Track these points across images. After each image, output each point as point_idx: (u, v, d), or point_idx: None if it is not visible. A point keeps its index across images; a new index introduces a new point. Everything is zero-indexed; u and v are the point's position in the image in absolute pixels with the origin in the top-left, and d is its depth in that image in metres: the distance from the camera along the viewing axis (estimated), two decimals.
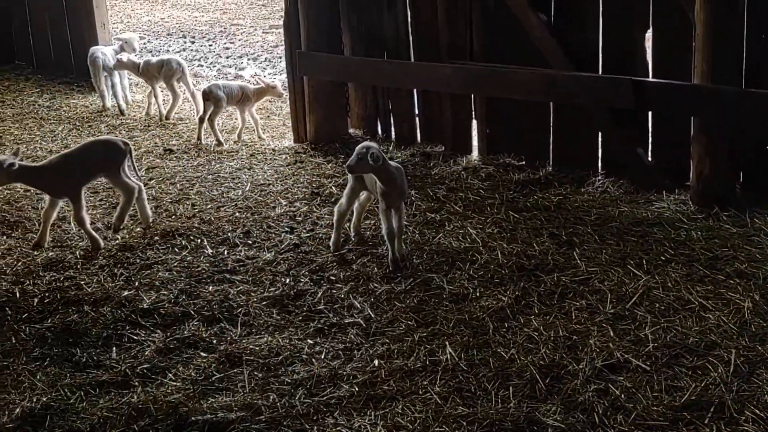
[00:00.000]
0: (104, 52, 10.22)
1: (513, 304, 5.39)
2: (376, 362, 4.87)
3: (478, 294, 5.56)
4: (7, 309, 5.61)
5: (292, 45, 8.82)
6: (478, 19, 7.77)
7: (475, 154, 8.18)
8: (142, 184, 6.85)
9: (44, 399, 4.64)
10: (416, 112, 8.60)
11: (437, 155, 8.20)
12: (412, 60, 8.32)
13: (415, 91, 8.50)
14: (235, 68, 13.10)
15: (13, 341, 5.26)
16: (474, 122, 8.25)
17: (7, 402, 4.64)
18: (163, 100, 10.18)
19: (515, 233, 6.40)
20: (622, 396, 4.44)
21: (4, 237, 6.75)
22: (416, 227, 6.62)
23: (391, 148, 8.52)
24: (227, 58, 13.87)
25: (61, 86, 11.37)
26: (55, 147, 8.99)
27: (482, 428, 4.27)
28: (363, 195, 6.40)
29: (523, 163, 7.79)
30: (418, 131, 8.61)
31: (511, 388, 4.57)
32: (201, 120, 9.13)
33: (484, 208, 6.91)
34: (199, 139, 9.11)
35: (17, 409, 4.54)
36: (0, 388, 4.79)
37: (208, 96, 9.02)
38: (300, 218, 7.00)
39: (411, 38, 8.35)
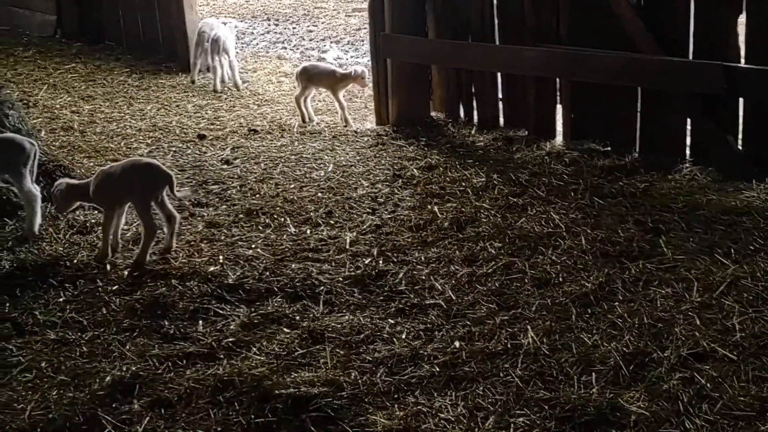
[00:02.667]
0: (213, 27, 10.52)
1: (596, 290, 5.34)
2: (456, 344, 4.89)
3: (561, 279, 5.52)
4: (98, 281, 5.78)
5: (376, 27, 8.85)
6: (565, 2, 7.67)
7: (558, 139, 8.10)
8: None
9: (133, 368, 4.77)
10: (499, 95, 8.55)
11: (520, 140, 8.15)
12: (497, 43, 8.26)
13: (499, 74, 8.45)
14: (318, 51, 13.19)
15: (104, 312, 5.41)
16: (558, 107, 8.17)
17: (98, 370, 4.79)
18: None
19: (599, 219, 6.33)
20: (708, 385, 4.36)
21: (95, 211, 6.92)
22: (498, 211, 6.60)
23: (473, 131, 8.49)
24: (310, 40, 13.97)
25: (150, 66, 11.60)
26: (143, 125, 9.19)
27: (564, 413, 4.25)
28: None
29: (609, 149, 7.68)
30: (501, 115, 8.55)
31: (593, 374, 4.53)
32: (297, 100, 9.26)
33: (568, 193, 6.84)
34: (304, 120, 9.21)
35: (108, 377, 4.68)
36: (91, 357, 4.94)
37: (304, 76, 9.14)
38: (381, 199, 7.03)
39: (496, 21, 8.29)
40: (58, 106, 9.86)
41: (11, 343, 5.10)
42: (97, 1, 12.65)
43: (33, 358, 4.93)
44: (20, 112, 7.54)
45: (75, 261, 6.01)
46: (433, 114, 9.00)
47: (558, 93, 8.07)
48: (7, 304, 5.50)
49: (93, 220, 6.71)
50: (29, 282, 5.74)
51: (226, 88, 10.61)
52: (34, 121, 8.93)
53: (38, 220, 6.40)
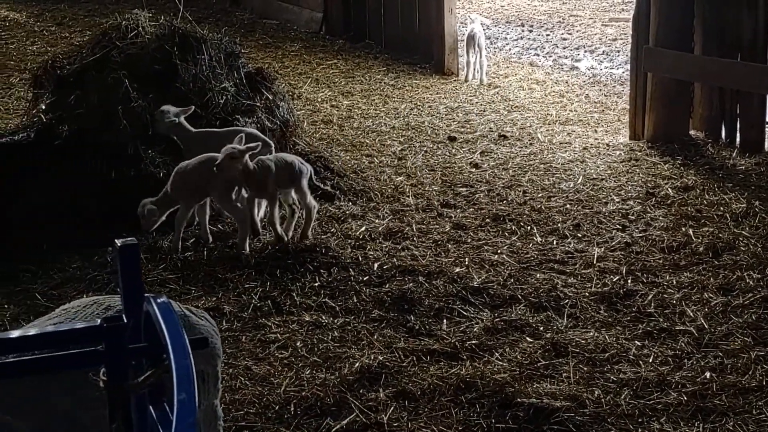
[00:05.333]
0: (480, 30, 10.94)
1: None
2: (707, 374, 4.71)
3: None
4: (350, 270, 6.04)
5: (638, 39, 8.64)
6: None
7: None
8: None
9: (380, 358, 4.96)
10: (766, 118, 8.11)
11: None
12: None
13: (767, 96, 8.02)
14: (572, 60, 13.05)
15: (354, 300, 5.66)
16: None
17: (348, 355, 5.02)
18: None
19: None
20: None
21: (350, 203, 7.24)
22: (758, 240, 6.28)
23: (734, 154, 8.11)
24: (564, 48, 13.83)
25: (405, 66, 11.94)
26: (397, 123, 9.49)
27: None
28: None
29: None
30: (766, 139, 8.12)
31: None
32: None
33: None
34: None
35: (357, 364, 4.90)
36: (342, 342, 5.19)
37: None
38: (632, 217, 6.88)
39: None
40: (319, 99, 10.37)
41: (270, 320, 5.44)
42: (363, 2, 13.17)
43: (289, 337, 5.24)
44: (289, 104, 8.01)
45: (330, 248, 6.30)
46: (691, 132, 8.68)
47: None
48: (269, 284, 5.87)
49: (347, 211, 7.02)
50: (289, 265, 6.09)
51: (477, 92, 10.74)
52: (298, 112, 9.44)
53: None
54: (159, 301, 2.22)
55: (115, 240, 2.44)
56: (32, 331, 2.28)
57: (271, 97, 7.73)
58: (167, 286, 5.78)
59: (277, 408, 4.54)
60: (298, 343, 5.17)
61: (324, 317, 5.46)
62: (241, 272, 6.00)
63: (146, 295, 2.30)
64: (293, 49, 12.70)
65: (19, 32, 12.87)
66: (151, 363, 2.34)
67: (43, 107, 6.97)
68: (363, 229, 6.71)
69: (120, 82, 6.89)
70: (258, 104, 7.58)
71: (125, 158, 6.60)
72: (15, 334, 2.23)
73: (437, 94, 10.79)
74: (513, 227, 6.76)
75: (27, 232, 6.21)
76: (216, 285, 5.86)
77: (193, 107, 6.80)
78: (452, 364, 4.91)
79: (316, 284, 5.86)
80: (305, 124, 9.09)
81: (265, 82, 7.80)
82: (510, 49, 13.76)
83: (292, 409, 4.54)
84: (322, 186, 7.29)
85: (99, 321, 2.34)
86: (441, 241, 6.51)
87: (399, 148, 8.67)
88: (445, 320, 5.41)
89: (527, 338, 5.18)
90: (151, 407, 2.34)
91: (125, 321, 2.35)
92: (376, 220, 6.89)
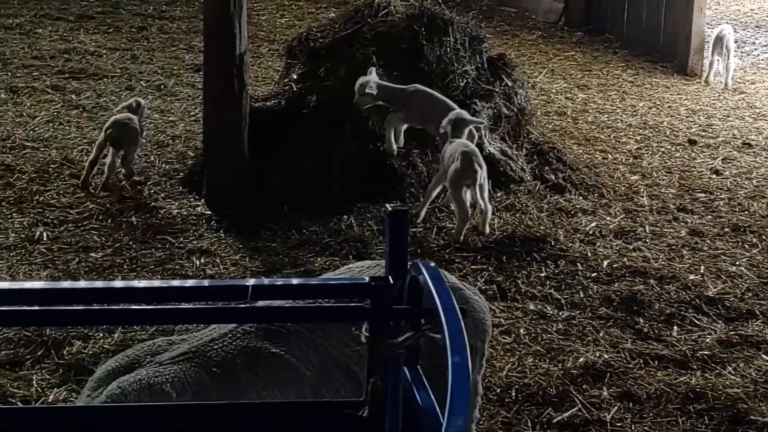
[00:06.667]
0: (729, 32, 10.51)
1: None
2: None
3: None
4: (578, 264, 5.96)
5: None
6: None
7: None
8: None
9: (606, 356, 4.87)
10: None
11: None
12: None
13: None
14: None
15: (581, 295, 5.58)
16: None
17: (572, 349, 4.96)
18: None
19: None
20: None
21: (581, 198, 7.11)
22: None
23: None
24: None
25: (646, 64, 11.58)
26: (634, 121, 9.23)
27: None
28: None
29: None
30: None
31: None
32: None
33: None
34: None
35: (581, 359, 4.83)
36: (566, 335, 5.14)
37: None
38: None
39: None
40: (554, 90, 10.25)
41: (494, 305, 5.46)
42: None
43: (513, 324, 5.24)
44: (527, 92, 7.98)
45: (558, 240, 6.24)
46: None
47: None
48: (493, 269, 5.89)
49: (578, 205, 6.91)
50: (516, 252, 6.08)
51: (721, 96, 10.27)
52: (533, 102, 9.38)
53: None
54: (429, 266, 2.28)
55: (386, 205, 2.52)
56: (307, 281, 2.41)
57: (510, 84, 7.73)
58: None
59: (498, 391, 4.56)
60: (521, 331, 5.16)
61: (549, 308, 5.42)
62: (468, 254, 6.05)
63: (415, 261, 2.37)
64: (530, 38, 12.60)
65: (270, 5, 13.52)
66: (410, 326, 2.41)
67: (295, 77, 7.31)
68: (593, 224, 6.59)
69: (368, 58, 7.10)
70: (497, 90, 7.60)
71: (368, 132, 6.80)
72: (294, 281, 2.37)
73: (678, 94, 10.39)
74: (754, 239, 6.43)
75: (272, 193, 6.55)
76: (443, 265, 5.94)
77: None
78: (681, 372, 4.76)
79: (542, 275, 5.83)
80: (539, 114, 9.02)
81: (506, 69, 7.81)
82: (758, 55, 13.03)
83: (513, 394, 4.54)
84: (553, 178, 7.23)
85: (367, 279, 2.43)
86: (675, 246, 6.30)
87: (635, 147, 8.43)
88: (675, 326, 5.24)
89: (763, 356, 4.93)
90: (405, 368, 2.42)
91: (391, 282, 2.43)
92: (607, 217, 6.75)
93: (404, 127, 6.80)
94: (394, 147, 6.69)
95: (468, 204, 6.18)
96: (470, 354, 3.30)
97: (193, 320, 2.58)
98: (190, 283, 2.26)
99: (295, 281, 2.46)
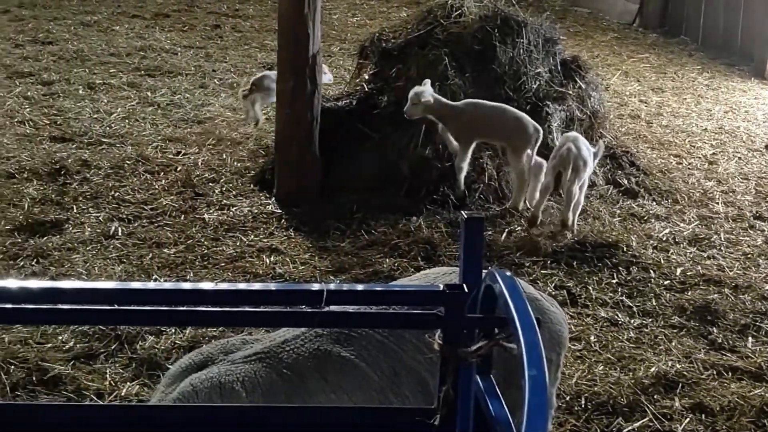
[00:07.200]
0: None
1: None
2: None
3: None
4: (651, 272, 5.85)
5: None
6: None
7: None
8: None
9: (678, 366, 4.78)
10: None
11: None
12: None
13: None
14: None
15: (653, 303, 5.49)
16: None
17: (643, 358, 4.88)
18: None
19: None
20: None
21: (654, 203, 6.99)
22: None
23: None
24: None
25: (722, 67, 11.33)
26: (709, 126, 9.04)
27: None
28: None
29: None
30: None
31: None
32: None
33: None
34: None
35: (653, 368, 4.75)
36: (638, 343, 5.05)
37: None
38: None
39: None
40: (627, 93, 10.09)
41: (564, 311, 5.38)
42: None
43: (583, 330, 5.18)
44: (600, 95, 7.87)
45: (631, 247, 6.14)
46: None
47: None
48: (563, 274, 5.82)
49: (651, 211, 6.79)
50: (587, 257, 6.00)
51: None
52: (606, 105, 9.24)
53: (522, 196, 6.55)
54: (505, 275, 2.25)
55: (463, 212, 2.51)
56: (382, 287, 2.41)
57: (583, 86, 7.63)
58: None
59: (567, 399, 4.51)
60: (591, 338, 5.10)
61: (620, 315, 5.34)
62: (538, 259, 6.00)
63: (491, 269, 2.35)
64: (604, 39, 12.43)
65: (342, 4, 13.58)
66: (483, 335, 2.39)
67: (366, 77, 7.32)
68: (666, 231, 6.48)
69: (440, 59, 7.08)
70: (570, 92, 7.51)
71: (435, 133, 6.77)
72: (371, 287, 2.37)
73: (755, 99, 10.15)
74: None
75: (342, 193, 6.58)
76: (513, 269, 5.89)
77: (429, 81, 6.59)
78: (756, 385, 4.65)
79: (614, 281, 5.74)
80: (612, 117, 8.89)
81: (579, 71, 7.72)
82: None
83: (583, 402, 4.49)
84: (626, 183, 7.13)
85: (441, 286, 2.42)
86: (751, 255, 6.15)
87: (710, 152, 8.26)
88: (750, 338, 5.11)
89: None
90: (477, 377, 2.40)
91: (466, 290, 2.41)
92: (681, 224, 6.63)
93: (472, 147, 6.60)
94: (464, 169, 6.52)
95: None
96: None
97: (264, 324, 2.60)
98: (267, 285, 2.27)
99: (369, 287, 2.45)
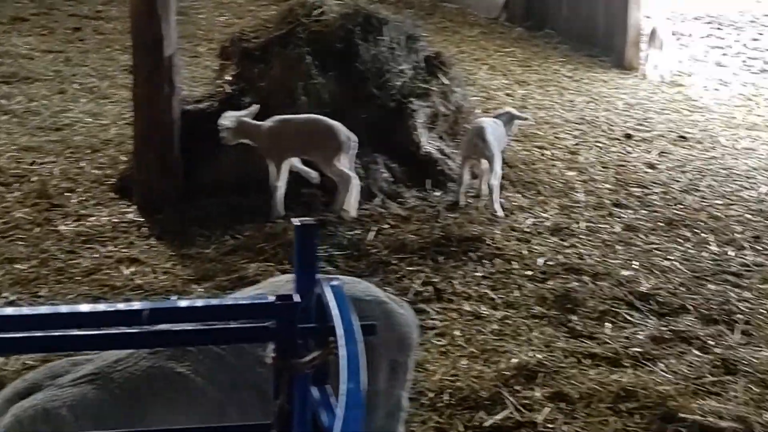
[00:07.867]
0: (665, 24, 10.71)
1: None
2: None
3: None
4: (514, 263, 5.95)
5: None
6: None
7: None
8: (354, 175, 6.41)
9: (539, 356, 4.87)
10: None
11: None
12: None
13: None
14: (762, 61, 12.37)
15: (516, 294, 5.58)
16: None
17: (505, 350, 4.95)
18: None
19: None
20: None
21: (518, 195, 7.12)
22: None
23: None
24: (754, 49, 13.13)
25: (584, 58, 11.63)
26: (572, 117, 9.27)
27: None
28: None
29: None
30: None
31: None
32: None
33: None
34: None
35: (514, 359, 4.82)
36: (501, 335, 5.12)
37: None
38: None
39: None
40: (493, 87, 10.25)
41: (431, 306, 5.43)
42: None
43: (448, 325, 5.22)
44: (464, 91, 7.96)
45: (495, 239, 6.23)
46: None
47: None
48: (429, 270, 5.86)
49: (514, 203, 6.91)
50: (452, 252, 6.05)
51: (657, 90, 10.36)
52: (472, 99, 9.36)
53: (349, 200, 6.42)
54: (332, 284, 2.22)
55: (293, 219, 2.46)
56: (209, 302, 2.34)
57: (447, 83, 7.70)
58: (335, 264, 5.85)
59: (431, 395, 4.53)
60: (456, 332, 5.14)
61: (484, 308, 5.41)
62: (405, 256, 6.01)
63: (319, 276, 2.31)
64: (471, 34, 12.61)
65: (209, 3, 13.36)
66: (318, 344, 2.36)
67: (228, 78, 7.20)
68: (529, 222, 6.60)
69: (302, 58, 7.03)
70: (434, 88, 7.57)
71: None
72: (197, 303, 2.30)
73: (615, 88, 10.47)
74: (687, 234, 6.48)
75: (206, 197, 6.45)
76: (380, 266, 5.89)
77: (258, 106, 6.45)
78: (613, 370, 4.77)
79: (478, 274, 5.81)
80: (477, 111, 9.00)
81: (443, 67, 7.78)
82: (696, 47, 13.18)
83: (446, 398, 4.52)
84: None
85: (271, 297, 2.37)
86: (610, 242, 6.33)
87: (572, 142, 8.47)
88: (608, 324, 5.25)
89: (695, 351, 4.96)
90: (313, 388, 2.37)
91: (298, 300, 2.37)
92: (543, 214, 6.76)
93: (287, 165, 6.38)
94: (281, 189, 6.31)
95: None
96: (393, 369, 3.27)
97: (85, 347, 2.49)
98: (83, 308, 2.18)
99: (197, 302, 2.38)
